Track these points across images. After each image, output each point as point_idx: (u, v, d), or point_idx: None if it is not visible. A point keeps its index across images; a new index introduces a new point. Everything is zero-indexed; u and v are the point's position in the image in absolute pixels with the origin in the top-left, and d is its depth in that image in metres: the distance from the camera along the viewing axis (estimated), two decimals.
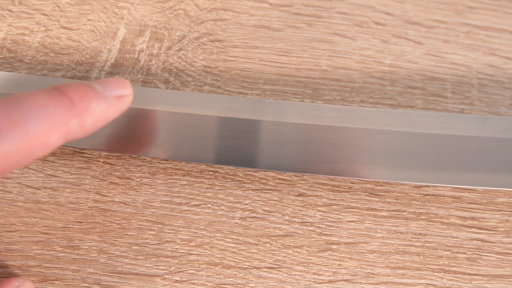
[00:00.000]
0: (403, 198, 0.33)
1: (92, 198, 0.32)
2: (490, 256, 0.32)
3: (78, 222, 0.31)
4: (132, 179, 0.32)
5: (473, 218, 0.33)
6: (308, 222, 0.32)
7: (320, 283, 0.30)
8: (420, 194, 0.33)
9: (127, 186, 0.32)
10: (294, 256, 0.31)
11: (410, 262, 0.31)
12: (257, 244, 0.31)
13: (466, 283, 0.31)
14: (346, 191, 0.33)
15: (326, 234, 0.32)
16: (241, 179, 0.33)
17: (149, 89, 0.31)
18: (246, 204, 0.32)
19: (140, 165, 0.32)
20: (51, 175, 0.32)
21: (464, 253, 0.32)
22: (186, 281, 0.30)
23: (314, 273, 0.31)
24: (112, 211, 0.31)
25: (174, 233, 0.31)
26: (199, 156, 0.31)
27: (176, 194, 0.32)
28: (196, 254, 0.31)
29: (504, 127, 0.32)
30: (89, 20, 0.36)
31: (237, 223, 0.32)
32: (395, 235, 0.32)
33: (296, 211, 0.32)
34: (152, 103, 0.31)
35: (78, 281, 0.30)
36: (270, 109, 0.31)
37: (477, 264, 0.31)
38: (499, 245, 0.32)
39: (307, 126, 0.31)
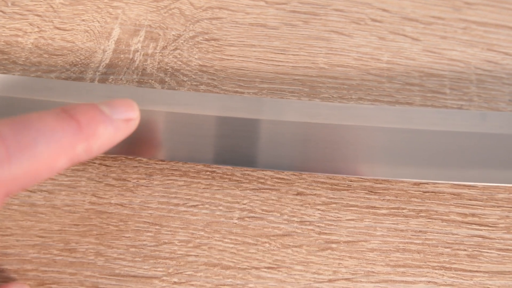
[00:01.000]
0: (403, 195, 0.33)
1: (88, 200, 0.31)
2: (491, 253, 0.31)
3: (75, 224, 0.31)
4: (128, 181, 0.32)
5: (473, 215, 0.32)
6: (307, 221, 0.32)
7: (320, 282, 0.30)
8: (420, 191, 0.33)
9: (124, 187, 0.32)
10: (294, 255, 0.31)
11: (410, 260, 0.31)
12: (256, 244, 0.31)
13: (467, 280, 0.31)
14: (345, 189, 0.32)
15: (326, 233, 0.31)
16: (238, 179, 0.32)
17: (145, 89, 0.31)
18: (244, 204, 0.32)
19: (136, 166, 0.32)
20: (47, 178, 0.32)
21: (465, 250, 0.31)
22: (184, 282, 0.30)
23: (314, 273, 0.30)
24: (109, 213, 0.31)
25: (172, 234, 0.31)
26: (197, 156, 0.31)
27: (173, 195, 0.32)
28: (195, 255, 0.30)
29: (504, 123, 0.32)
30: (83, 20, 0.36)
31: (235, 223, 0.31)
32: (395, 233, 0.32)
33: (295, 210, 0.32)
34: (149, 103, 0.30)
35: (75, 285, 0.29)
36: (268, 107, 0.31)
37: (478, 260, 0.31)
38: (499, 242, 0.32)
39: (305, 124, 0.31)
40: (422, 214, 0.32)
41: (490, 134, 0.32)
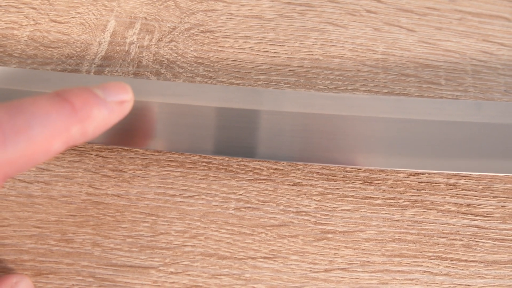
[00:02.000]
0: (398, 185, 0.33)
1: (85, 191, 0.31)
2: (487, 243, 0.32)
3: (72, 215, 0.31)
4: (125, 172, 0.32)
5: (468, 205, 0.32)
6: (303, 212, 0.32)
7: (316, 272, 0.30)
8: (415, 181, 0.33)
9: (120, 178, 0.32)
10: (290, 245, 0.31)
11: (406, 249, 0.31)
12: (252, 235, 0.31)
13: (462, 269, 0.31)
14: (340, 180, 0.33)
15: (321, 223, 0.31)
16: (235, 170, 0.32)
17: (141, 81, 0.31)
18: (241, 194, 0.32)
19: (132, 157, 0.32)
20: (43, 169, 0.32)
21: (460, 240, 0.31)
22: (181, 272, 0.30)
23: (310, 262, 0.31)
24: (106, 204, 0.31)
25: (169, 224, 0.31)
26: (194, 147, 0.31)
27: (169, 186, 0.32)
28: (191, 246, 0.30)
29: (499, 113, 0.32)
30: (79, 13, 0.36)
31: (231, 213, 0.31)
32: (390, 223, 0.32)
33: (291, 200, 0.32)
34: (145, 94, 0.30)
35: (72, 275, 0.29)
36: (264, 98, 0.31)
37: (474, 250, 0.31)
38: (495, 231, 0.32)
39: (301, 114, 0.31)
40: (417, 204, 0.32)
41: (485, 124, 0.32)
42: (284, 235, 0.31)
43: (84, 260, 0.30)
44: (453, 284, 0.30)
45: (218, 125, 0.31)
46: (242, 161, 0.32)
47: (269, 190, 0.32)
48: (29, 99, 0.23)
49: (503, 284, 0.31)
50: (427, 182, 0.33)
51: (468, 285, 0.31)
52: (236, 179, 0.32)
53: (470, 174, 0.33)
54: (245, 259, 0.30)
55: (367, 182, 0.33)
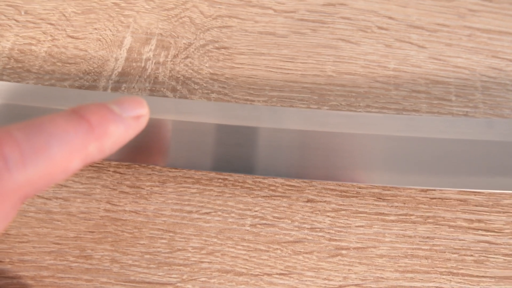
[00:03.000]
0: (410, 202, 0.33)
1: (103, 208, 0.32)
2: (497, 258, 0.32)
3: (90, 231, 0.31)
4: (142, 188, 0.32)
5: (479, 221, 0.33)
6: (318, 228, 0.32)
7: None
8: (427, 197, 0.33)
9: (138, 195, 0.32)
10: (305, 262, 0.31)
11: (418, 265, 0.32)
12: (268, 251, 0.31)
13: (474, 285, 0.31)
14: (354, 196, 0.33)
15: (336, 240, 0.32)
16: (250, 186, 0.33)
17: (146, 98, 0.32)
18: (256, 211, 0.32)
19: (150, 174, 0.33)
20: (62, 185, 0.32)
21: (472, 255, 0.32)
22: None
23: (325, 279, 0.31)
24: (124, 220, 0.32)
25: (186, 241, 0.31)
26: (192, 163, 0.31)
27: (186, 202, 0.32)
28: (208, 262, 0.31)
29: (509, 131, 0.33)
30: (96, 29, 0.36)
31: (247, 230, 0.32)
32: (403, 239, 0.32)
33: (306, 217, 0.33)
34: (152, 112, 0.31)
35: None
36: (266, 115, 0.32)
37: (485, 266, 0.32)
38: (505, 247, 0.32)
39: (310, 132, 0.31)
40: (429, 220, 0.33)
41: (496, 142, 0.32)
42: (299, 251, 0.32)
43: (103, 276, 0.30)
44: None
45: (220, 142, 0.31)
46: (257, 178, 0.33)
47: (284, 206, 0.33)
48: (46, 117, 0.23)
49: None
50: (439, 198, 0.33)
51: None
52: (251, 196, 0.33)
53: (481, 191, 0.33)
54: (261, 275, 0.31)
55: (379, 198, 0.33)
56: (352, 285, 0.31)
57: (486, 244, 0.33)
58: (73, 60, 0.35)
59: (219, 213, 0.32)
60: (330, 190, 0.33)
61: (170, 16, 0.37)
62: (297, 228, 0.32)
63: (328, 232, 0.32)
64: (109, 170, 0.33)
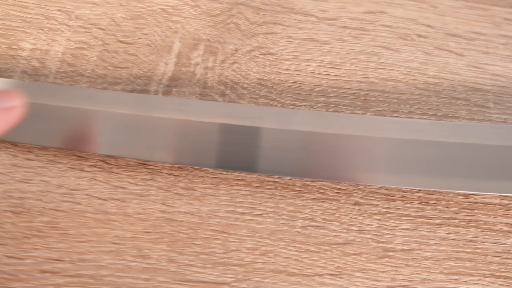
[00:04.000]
0: (453, 206, 0.34)
1: (158, 209, 0.33)
2: None
3: (147, 232, 0.32)
4: (196, 190, 0.33)
5: None
6: (365, 230, 0.33)
7: None
8: (469, 202, 0.35)
9: (192, 196, 0.33)
10: (354, 263, 0.33)
11: (462, 268, 0.33)
12: (319, 252, 0.33)
13: None
14: (399, 200, 0.34)
15: (383, 242, 0.33)
16: (300, 189, 0.34)
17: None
18: (306, 213, 0.33)
19: (202, 176, 0.34)
20: (118, 187, 0.33)
21: None
22: None
23: (373, 280, 0.32)
24: (179, 221, 0.33)
25: (239, 242, 0.32)
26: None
27: (239, 204, 0.33)
28: (261, 262, 0.32)
29: None
30: (145, 34, 0.37)
31: (298, 231, 0.33)
32: (447, 242, 0.33)
33: (353, 219, 0.34)
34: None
35: None
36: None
37: None
38: None
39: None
40: (472, 224, 0.34)
41: None
42: (348, 252, 0.33)
43: (160, 275, 0.31)
44: None
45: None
46: (306, 181, 0.34)
47: (332, 209, 0.34)
48: None
49: None
50: (480, 203, 0.35)
51: None
52: (301, 198, 0.34)
53: None
54: (312, 276, 0.32)
55: (424, 202, 0.34)
56: (400, 286, 0.32)
57: None
58: (124, 64, 0.36)
59: (271, 214, 0.33)
60: (376, 193, 0.34)
61: (217, 22, 0.38)
62: (345, 230, 0.33)
63: (376, 234, 0.33)
64: (163, 172, 0.34)
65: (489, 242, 0.33)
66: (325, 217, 0.33)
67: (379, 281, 0.32)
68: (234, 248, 0.32)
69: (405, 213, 0.34)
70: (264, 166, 0.32)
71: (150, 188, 0.33)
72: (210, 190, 0.33)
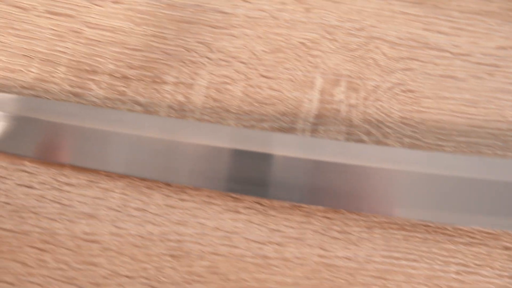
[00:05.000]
0: None
1: (316, 253, 0.33)
2: None
3: (307, 278, 0.32)
4: (351, 234, 0.33)
5: None
6: None
7: None
8: None
9: (348, 240, 0.33)
10: None
11: None
12: None
13: None
14: None
15: None
16: (451, 233, 0.34)
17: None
18: (458, 258, 0.34)
19: (356, 219, 0.34)
20: (275, 230, 0.33)
21: None
22: None
23: None
24: (337, 266, 0.33)
25: None
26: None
27: (394, 249, 0.33)
28: None
29: None
30: (286, 68, 0.37)
31: (453, 277, 0.33)
32: None
33: (504, 265, 0.34)
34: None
35: None
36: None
37: None
38: None
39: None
40: None
41: None
42: None
43: None
44: None
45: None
46: (456, 226, 0.34)
47: (483, 254, 0.34)
48: None
49: None
50: None
51: None
52: (452, 243, 0.34)
53: None
54: None
55: None
56: None
57: None
58: (269, 100, 0.36)
59: (425, 259, 0.33)
60: None
61: (355, 57, 0.38)
62: (497, 276, 0.33)
63: None
64: (317, 215, 0.34)
65: None
66: (476, 262, 0.33)
67: None
68: None
69: None
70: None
71: (306, 231, 0.33)
72: (365, 234, 0.33)
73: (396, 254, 0.33)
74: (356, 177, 0.33)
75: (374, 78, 0.37)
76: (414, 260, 0.33)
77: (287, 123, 0.36)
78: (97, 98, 0.36)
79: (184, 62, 0.37)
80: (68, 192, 0.34)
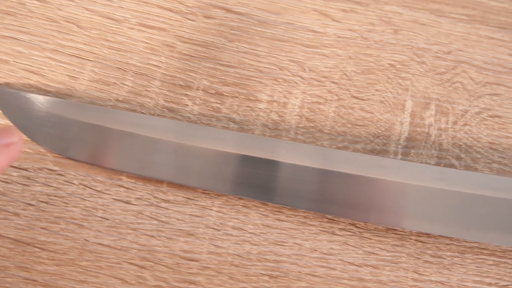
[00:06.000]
0: None
1: (411, 277, 0.33)
2: None
3: None
4: (444, 258, 0.34)
5: None
6: None
7: None
8: None
9: (440, 265, 0.34)
10: None
11: None
12: None
13: None
14: None
15: None
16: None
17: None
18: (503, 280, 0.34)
19: (449, 244, 0.34)
20: (370, 252, 0.34)
21: None
22: None
23: None
24: None
25: None
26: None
27: (485, 274, 0.34)
28: None
29: None
30: (377, 90, 0.37)
31: None
32: None
33: None
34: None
35: None
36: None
37: None
38: None
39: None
40: None
41: None
42: None
43: None
44: None
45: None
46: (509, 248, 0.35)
47: None
48: None
49: None
50: None
51: None
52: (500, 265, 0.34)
53: None
54: None
55: None
56: None
57: None
58: (361, 122, 0.36)
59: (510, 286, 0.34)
60: None
61: (443, 81, 0.38)
62: None
63: None
64: (411, 239, 0.34)
65: None
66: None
67: None
68: None
69: None
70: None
71: (400, 254, 0.33)
72: (457, 259, 0.34)
73: (487, 280, 0.34)
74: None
75: (462, 103, 0.38)
76: (505, 286, 0.34)
77: (379, 145, 0.36)
78: (192, 114, 0.36)
79: (277, 81, 0.37)
80: (166, 209, 0.34)
